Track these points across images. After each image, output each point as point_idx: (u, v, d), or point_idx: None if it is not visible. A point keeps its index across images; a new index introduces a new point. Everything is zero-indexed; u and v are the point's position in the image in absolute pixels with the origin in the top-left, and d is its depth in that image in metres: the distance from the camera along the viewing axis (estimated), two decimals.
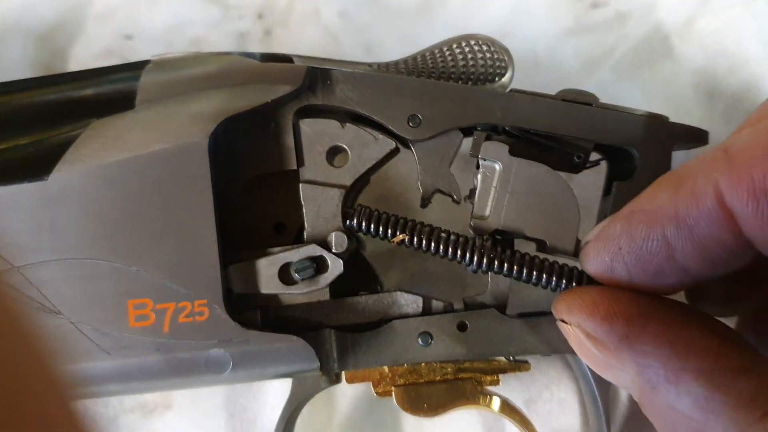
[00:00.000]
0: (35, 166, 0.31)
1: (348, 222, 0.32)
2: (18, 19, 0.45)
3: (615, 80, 0.42)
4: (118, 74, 0.34)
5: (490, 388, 0.34)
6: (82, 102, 0.33)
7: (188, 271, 0.30)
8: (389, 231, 0.31)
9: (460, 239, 0.31)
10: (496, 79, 0.34)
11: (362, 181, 0.34)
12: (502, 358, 0.34)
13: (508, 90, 0.34)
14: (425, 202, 0.34)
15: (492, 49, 0.34)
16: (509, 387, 0.38)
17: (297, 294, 0.32)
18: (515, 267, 0.30)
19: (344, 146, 0.33)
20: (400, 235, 0.31)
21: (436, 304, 0.33)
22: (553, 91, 0.33)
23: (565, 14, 0.43)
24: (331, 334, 0.32)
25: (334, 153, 0.33)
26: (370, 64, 0.34)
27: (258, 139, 0.33)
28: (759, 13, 0.42)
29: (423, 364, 0.34)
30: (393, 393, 0.34)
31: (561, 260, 0.31)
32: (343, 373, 0.34)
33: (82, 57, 0.44)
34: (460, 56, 0.34)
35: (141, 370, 0.30)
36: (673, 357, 0.25)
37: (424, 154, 0.33)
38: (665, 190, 0.25)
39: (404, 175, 0.34)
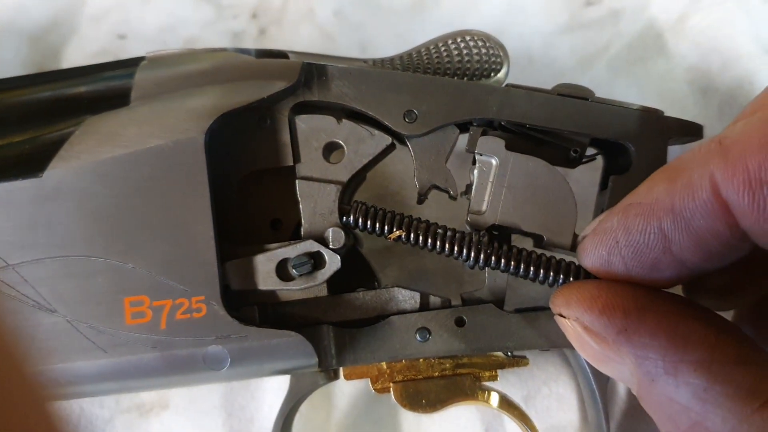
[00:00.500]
0: (30, 163, 0.30)
1: (345, 218, 0.32)
2: (11, 19, 0.45)
3: (610, 77, 0.42)
4: (112, 71, 0.34)
5: (489, 383, 0.34)
6: (76, 99, 0.33)
7: (185, 268, 0.30)
8: (386, 227, 0.31)
9: (457, 235, 0.31)
10: (492, 74, 0.34)
11: (359, 177, 0.34)
12: (501, 354, 0.34)
13: (503, 86, 0.34)
14: (422, 197, 0.34)
15: (487, 44, 0.34)
16: (508, 383, 0.38)
17: (294, 290, 0.32)
18: (512, 262, 0.30)
19: (340, 142, 0.33)
20: (397, 232, 0.31)
21: (434, 300, 0.33)
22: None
23: (559, 12, 0.43)
24: (329, 330, 0.32)
25: (330, 149, 0.33)
26: (365, 60, 0.34)
27: (254, 135, 0.33)
28: (751, 8, 0.42)
29: (421, 360, 0.33)
30: (391, 389, 0.34)
31: (558, 255, 0.31)
32: (341, 369, 0.34)
33: (76, 57, 0.44)
34: (456, 52, 0.34)
35: (138, 368, 0.30)
36: (671, 349, 0.25)
37: (420, 149, 0.33)
38: (661, 183, 0.25)
39: (400, 171, 0.34)
